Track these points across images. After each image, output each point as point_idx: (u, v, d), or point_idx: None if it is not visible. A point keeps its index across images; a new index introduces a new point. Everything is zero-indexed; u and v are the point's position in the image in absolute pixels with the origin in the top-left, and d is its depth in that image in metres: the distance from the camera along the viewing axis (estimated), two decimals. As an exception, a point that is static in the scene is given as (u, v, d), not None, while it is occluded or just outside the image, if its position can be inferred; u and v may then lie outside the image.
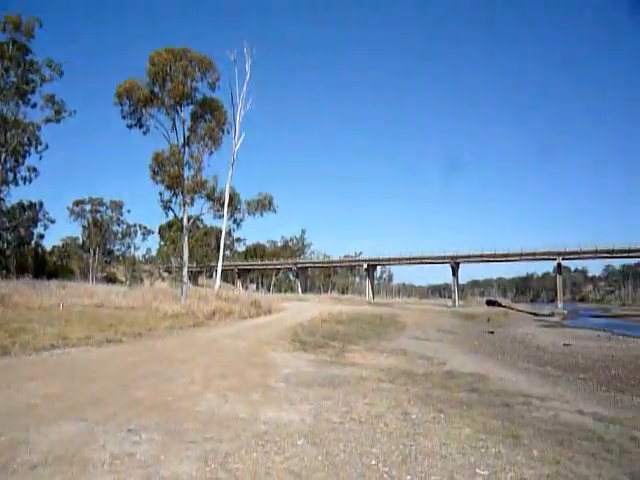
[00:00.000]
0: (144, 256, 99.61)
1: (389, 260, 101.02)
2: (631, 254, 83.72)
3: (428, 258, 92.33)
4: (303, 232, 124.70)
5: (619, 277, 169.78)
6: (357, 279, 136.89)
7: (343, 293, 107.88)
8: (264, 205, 36.84)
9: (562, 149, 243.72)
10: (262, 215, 37.04)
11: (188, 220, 33.19)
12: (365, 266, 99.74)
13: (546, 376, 19.73)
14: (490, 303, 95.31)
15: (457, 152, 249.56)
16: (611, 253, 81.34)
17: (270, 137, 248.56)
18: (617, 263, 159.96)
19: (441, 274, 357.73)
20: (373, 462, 5.54)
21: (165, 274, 75.50)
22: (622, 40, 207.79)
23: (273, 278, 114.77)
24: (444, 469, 5.39)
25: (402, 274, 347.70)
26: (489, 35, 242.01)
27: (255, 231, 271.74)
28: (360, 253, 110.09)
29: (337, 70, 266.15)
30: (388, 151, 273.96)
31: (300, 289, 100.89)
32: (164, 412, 7.50)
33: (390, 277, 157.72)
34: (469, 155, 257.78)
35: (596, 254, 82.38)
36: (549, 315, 78.31)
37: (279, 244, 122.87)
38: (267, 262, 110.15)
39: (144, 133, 32.25)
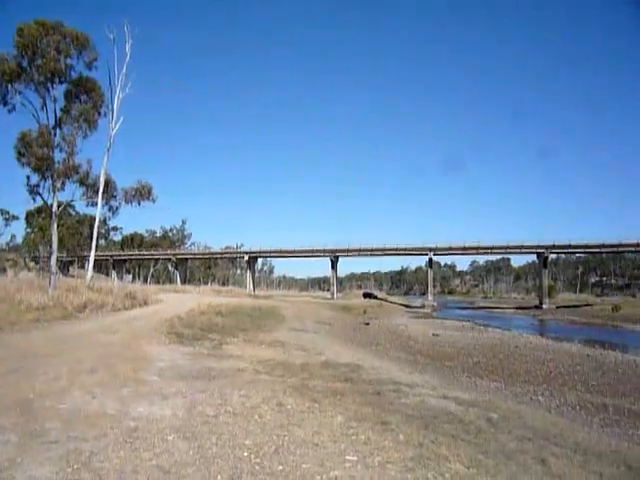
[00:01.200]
0: (7, 244, 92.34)
1: (270, 252, 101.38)
2: (494, 251, 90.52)
3: (309, 251, 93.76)
4: (183, 222, 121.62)
5: (483, 272, 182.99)
6: (238, 271, 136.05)
7: (224, 285, 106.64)
8: (142, 194, 35.21)
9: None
10: (140, 204, 35.40)
11: (58, 206, 31.10)
12: (246, 258, 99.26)
13: (416, 364, 20.84)
14: (366, 295, 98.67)
15: (332, 149, 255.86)
16: (477, 250, 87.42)
17: (155, 125, 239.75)
18: (481, 259, 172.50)
19: (321, 267, 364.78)
20: (245, 454, 5.54)
21: (32, 264, 70.34)
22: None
23: (151, 269, 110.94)
24: (315, 457, 5.52)
25: (283, 267, 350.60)
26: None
27: (134, 220, 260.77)
28: (241, 245, 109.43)
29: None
30: (269, 145, 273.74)
31: (179, 281, 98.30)
32: (24, 411, 6.99)
33: (271, 270, 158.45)
34: (347, 152, 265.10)
35: (464, 250, 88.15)
36: (420, 307, 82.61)
37: (158, 234, 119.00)
38: (144, 252, 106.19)
39: (9, 111, 29.66)
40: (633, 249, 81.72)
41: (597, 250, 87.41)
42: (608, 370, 20.78)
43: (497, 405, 11.25)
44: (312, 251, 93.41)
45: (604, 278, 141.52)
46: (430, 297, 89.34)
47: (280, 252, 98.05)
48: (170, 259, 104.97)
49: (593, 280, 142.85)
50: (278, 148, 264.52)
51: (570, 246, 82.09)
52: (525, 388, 16.57)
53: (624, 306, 70.84)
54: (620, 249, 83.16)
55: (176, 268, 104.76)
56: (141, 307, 28.74)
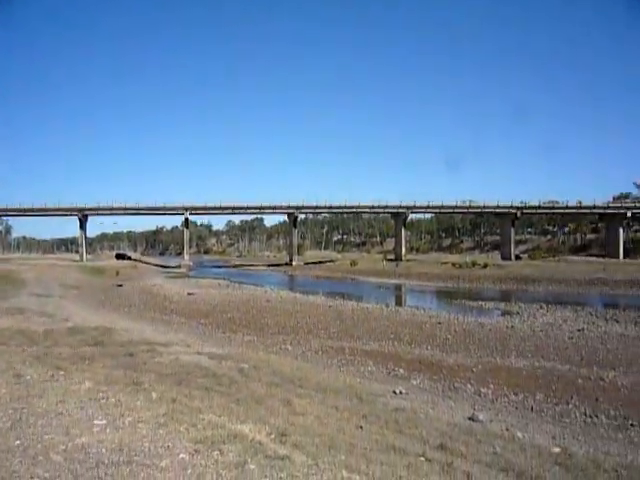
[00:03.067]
0: None
1: (7, 211, 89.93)
2: (248, 211, 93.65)
3: (54, 210, 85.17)
4: None
5: (238, 231, 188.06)
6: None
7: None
8: None
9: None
10: None
11: None
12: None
13: (171, 324, 20.79)
14: (120, 256, 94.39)
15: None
16: (232, 210, 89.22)
17: None
18: (237, 219, 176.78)
19: (69, 227, 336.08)
20: (-26, 435, 4.93)
21: None
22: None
23: None
24: (59, 426, 5.15)
25: (24, 227, 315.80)
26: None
27: None
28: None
29: None
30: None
31: None
32: None
33: (8, 230, 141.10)
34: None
35: (220, 210, 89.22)
36: (176, 267, 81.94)
37: None
38: None
39: None
40: (368, 210, 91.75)
41: (339, 211, 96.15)
42: (346, 318, 23.31)
43: (249, 356, 11.84)
44: (58, 209, 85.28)
45: (345, 236, 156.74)
46: (186, 257, 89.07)
47: (18, 210, 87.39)
48: None
49: (336, 238, 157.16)
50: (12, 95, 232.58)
51: (317, 207, 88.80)
52: (275, 339, 17.72)
53: (360, 261, 79.73)
54: (358, 210, 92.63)
55: None
56: None
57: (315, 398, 7.66)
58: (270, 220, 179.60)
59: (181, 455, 4.21)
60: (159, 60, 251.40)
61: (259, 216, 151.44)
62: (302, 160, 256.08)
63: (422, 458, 4.98)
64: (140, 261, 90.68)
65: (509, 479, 4.79)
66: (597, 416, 9.67)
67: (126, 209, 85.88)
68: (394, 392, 9.78)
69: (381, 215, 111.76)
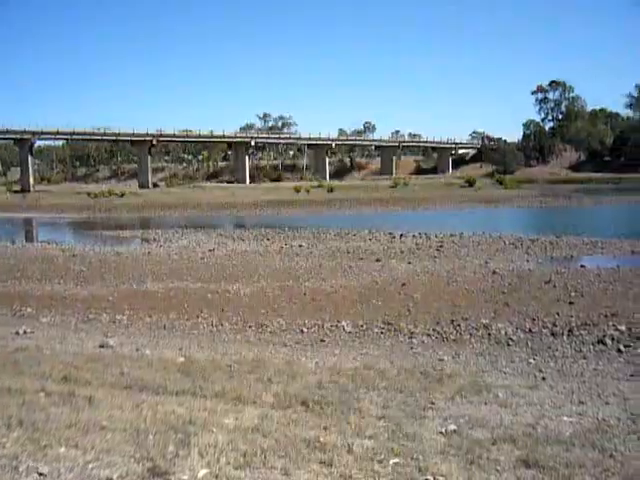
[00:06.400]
0: None
1: None
2: None
3: None
4: None
5: None
6: None
7: None
8: None
9: None
10: None
11: None
12: None
13: None
14: None
15: None
16: None
17: None
18: None
19: None
20: None
21: None
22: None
23: None
24: None
25: None
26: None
27: None
28: None
29: None
30: None
31: None
32: None
33: None
34: None
35: None
36: None
37: None
38: None
39: None
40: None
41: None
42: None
43: None
44: None
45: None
46: None
47: None
48: None
49: None
50: None
51: None
52: None
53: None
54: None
55: None
56: None
57: None
58: None
59: None
60: None
61: None
62: None
63: (42, 394, 4.80)
64: None
65: (133, 393, 5.02)
66: (222, 324, 10.78)
67: None
68: (17, 333, 9.07)
69: (3, 142, 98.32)
